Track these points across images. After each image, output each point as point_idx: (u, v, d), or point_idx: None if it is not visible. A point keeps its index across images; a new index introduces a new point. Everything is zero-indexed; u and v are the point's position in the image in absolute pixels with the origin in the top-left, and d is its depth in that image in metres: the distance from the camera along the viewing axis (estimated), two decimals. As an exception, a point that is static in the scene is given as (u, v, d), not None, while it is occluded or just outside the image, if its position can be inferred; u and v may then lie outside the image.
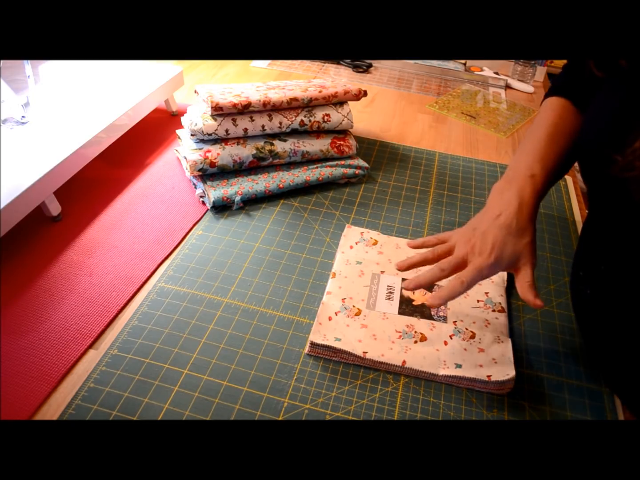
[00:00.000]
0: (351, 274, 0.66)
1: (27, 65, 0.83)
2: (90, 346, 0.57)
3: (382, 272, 0.67)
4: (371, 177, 0.87)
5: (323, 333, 0.58)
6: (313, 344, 0.57)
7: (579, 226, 0.79)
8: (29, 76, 0.84)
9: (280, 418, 0.51)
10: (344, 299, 0.63)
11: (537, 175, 0.56)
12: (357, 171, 0.85)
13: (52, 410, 0.51)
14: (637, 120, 0.46)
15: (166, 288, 0.64)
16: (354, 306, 0.62)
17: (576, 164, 0.62)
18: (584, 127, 0.56)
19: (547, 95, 0.66)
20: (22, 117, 0.77)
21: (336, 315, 0.60)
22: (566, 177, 0.91)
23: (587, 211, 0.71)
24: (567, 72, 0.66)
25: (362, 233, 0.73)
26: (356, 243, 0.71)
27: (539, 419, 0.53)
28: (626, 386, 0.55)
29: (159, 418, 0.50)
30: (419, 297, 0.64)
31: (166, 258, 0.69)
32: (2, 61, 0.83)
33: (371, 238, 0.73)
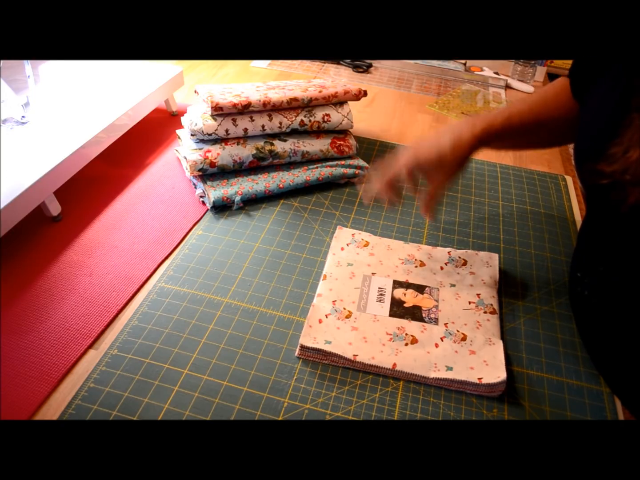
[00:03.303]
0: (342, 276, 0.66)
1: (27, 65, 0.83)
2: (90, 346, 0.57)
3: (373, 273, 0.67)
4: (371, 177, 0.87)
5: (313, 336, 0.58)
6: (303, 347, 0.56)
7: (579, 226, 0.79)
8: (29, 76, 0.84)
9: (280, 418, 0.51)
10: (335, 301, 0.62)
11: (499, 116, 0.60)
12: (357, 171, 0.85)
13: (52, 410, 0.51)
14: (612, 130, 0.47)
15: (166, 288, 0.64)
16: (344, 308, 0.61)
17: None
18: (577, 134, 0.57)
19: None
20: (22, 117, 0.77)
21: (326, 317, 0.60)
22: (566, 177, 0.91)
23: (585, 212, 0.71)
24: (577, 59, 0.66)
25: (353, 234, 0.73)
26: (347, 244, 0.71)
27: (539, 419, 0.53)
28: (626, 386, 0.55)
29: (159, 418, 0.50)
30: (410, 298, 0.64)
31: (166, 258, 0.69)
32: (2, 61, 0.83)
33: (362, 239, 0.72)
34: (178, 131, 0.86)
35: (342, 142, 0.86)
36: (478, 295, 0.65)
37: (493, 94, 1.21)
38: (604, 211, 0.53)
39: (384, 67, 1.31)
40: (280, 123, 0.82)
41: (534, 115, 0.62)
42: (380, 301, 0.63)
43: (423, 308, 0.62)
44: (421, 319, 0.61)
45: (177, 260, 0.68)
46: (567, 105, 0.63)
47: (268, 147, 0.81)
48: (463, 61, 1.36)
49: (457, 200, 0.83)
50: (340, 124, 0.86)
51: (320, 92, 0.85)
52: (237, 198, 0.77)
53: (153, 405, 0.51)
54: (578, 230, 0.78)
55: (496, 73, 1.31)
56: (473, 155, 0.60)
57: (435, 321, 0.61)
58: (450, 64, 1.35)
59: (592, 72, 0.58)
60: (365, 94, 0.88)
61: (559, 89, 0.64)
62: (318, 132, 0.86)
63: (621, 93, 0.49)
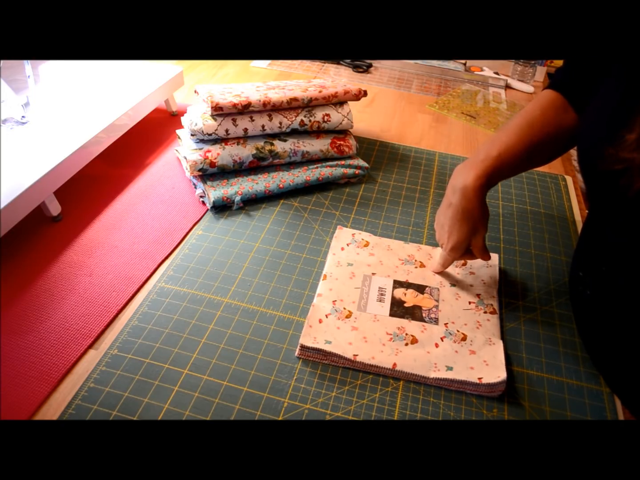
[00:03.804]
0: (342, 276, 0.66)
1: (27, 65, 0.83)
2: (90, 346, 0.57)
3: (374, 273, 0.67)
4: (371, 177, 0.87)
5: (313, 336, 0.58)
6: (303, 347, 0.56)
7: (579, 226, 0.79)
8: (29, 76, 0.84)
9: (280, 418, 0.51)
10: (335, 301, 0.62)
11: (488, 159, 0.60)
12: (357, 171, 0.85)
13: (52, 410, 0.51)
14: (629, 116, 0.47)
15: (166, 288, 0.64)
16: (344, 308, 0.61)
17: (577, 164, 0.63)
18: (581, 124, 0.56)
19: (546, 87, 0.67)
20: (22, 117, 0.77)
21: (327, 317, 0.60)
22: (566, 177, 0.91)
23: (587, 211, 0.71)
24: (566, 66, 0.66)
25: (353, 234, 0.73)
26: (347, 244, 0.71)
27: (539, 419, 0.53)
28: (626, 386, 0.55)
29: (159, 418, 0.50)
30: (410, 298, 0.64)
31: (166, 258, 0.69)
32: (2, 61, 0.83)
33: (362, 239, 0.72)
34: (178, 131, 0.86)
35: (342, 142, 0.86)
36: (478, 295, 0.65)
37: (493, 94, 1.21)
38: (609, 202, 0.52)
39: (384, 67, 1.31)
40: (280, 123, 0.82)
41: (525, 144, 0.61)
42: (380, 301, 0.63)
43: (423, 308, 0.62)
44: (421, 319, 0.61)
45: (177, 260, 0.68)
46: (557, 119, 0.62)
47: (268, 147, 0.81)
48: (463, 61, 1.36)
49: (457, 200, 0.83)
50: (340, 124, 0.86)
51: (320, 92, 0.85)
52: (237, 198, 0.77)
53: (153, 405, 0.51)
54: (578, 230, 0.78)
55: (496, 73, 1.31)
56: (485, 198, 0.61)
57: (436, 321, 0.61)
58: (450, 64, 1.35)
59: (591, 75, 0.58)
60: (365, 94, 0.88)
61: (545, 105, 0.64)
62: (318, 132, 0.86)
63: (626, 87, 0.49)
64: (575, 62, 0.64)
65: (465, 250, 0.63)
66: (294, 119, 0.83)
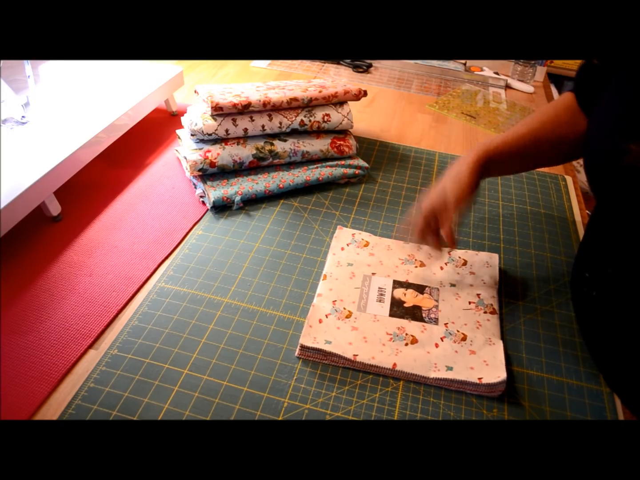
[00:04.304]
0: (342, 276, 0.66)
1: (27, 65, 0.83)
2: (90, 346, 0.57)
3: (373, 273, 0.67)
4: (371, 177, 0.87)
5: (313, 336, 0.58)
6: (303, 347, 0.56)
7: (579, 226, 0.79)
8: (29, 76, 0.84)
9: (280, 418, 0.51)
10: (335, 301, 0.62)
11: (492, 143, 0.63)
12: (357, 171, 0.85)
13: (52, 410, 0.51)
14: None
15: (166, 288, 0.64)
16: (344, 308, 0.61)
17: (577, 164, 0.63)
18: (594, 122, 0.56)
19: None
20: (22, 117, 0.77)
21: (327, 317, 0.60)
22: (566, 177, 0.91)
23: (588, 212, 0.71)
24: (581, 68, 0.66)
25: (353, 234, 0.73)
26: (347, 244, 0.71)
27: (539, 419, 0.53)
28: (627, 386, 0.55)
29: (159, 418, 0.50)
30: (410, 298, 0.64)
31: (166, 258, 0.69)
32: (2, 61, 0.83)
33: (362, 239, 0.72)
34: (178, 131, 0.86)
35: (342, 142, 0.86)
36: (478, 295, 0.65)
37: (493, 94, 1.21)
38: (621, 201, 0.52)
39: (384, 67, 1.31)
40: (280, 123, 0.82)
41: (533, 135, 0.62)
42: (380, 301, 0.63)
43: (423, 308, 0.62)
44: (421, 319, 0.61)
45: (177, 260, 0.68)
46: (571, 121, 0.63)
47: (268, 147, 0.81)
48: (463, 61, 1.36)
49: (457, 200, 0.83)
50: (340, 124, 0.86)
51: (320, 92, 0.85)
52: (237, 198, 0.77)
53: (153, 405, 0.51)
54: (578, 230, 0.78)
55: (496, 73, 1.31)
56: (477, 183, 0.61)
57: (435, 321, 0.61)
58: (450, 64, 1.35)
59: (599, 79, 0.58)
60: (365, 94, 0.88)
61: (560, 106, 0.64)
62: (318, 132, 0.86)
63: None
64: (585, 62, 0.64)
65: (435, 208, 0.62)
66: (294, 119, 0.83)
